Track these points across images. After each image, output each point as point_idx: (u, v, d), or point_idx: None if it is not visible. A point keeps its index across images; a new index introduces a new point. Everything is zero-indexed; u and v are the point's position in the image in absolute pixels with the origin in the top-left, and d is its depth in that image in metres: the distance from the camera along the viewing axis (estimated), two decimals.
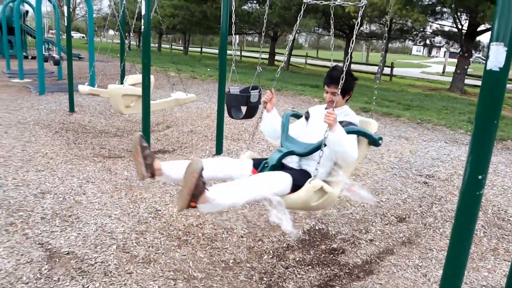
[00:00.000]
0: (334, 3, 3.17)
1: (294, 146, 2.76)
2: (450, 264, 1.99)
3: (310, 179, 2.45)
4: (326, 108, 2.93)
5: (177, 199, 2.23)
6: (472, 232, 1.89)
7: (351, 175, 2.95)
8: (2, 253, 2.96)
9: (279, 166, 2.69)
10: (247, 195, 2.39)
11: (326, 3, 3.24)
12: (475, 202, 1.83)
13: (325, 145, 2.48)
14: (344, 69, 2.59)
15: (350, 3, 3.52)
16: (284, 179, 2.52)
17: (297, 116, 3.21)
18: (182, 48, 38.38)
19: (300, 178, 2.56)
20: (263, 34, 3.50)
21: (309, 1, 3.17)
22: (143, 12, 4.58)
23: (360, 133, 2.77)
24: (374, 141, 2.81)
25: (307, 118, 3.04)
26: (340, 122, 2.60)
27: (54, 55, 11.64)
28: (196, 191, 2.13)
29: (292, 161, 2.77)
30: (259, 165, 2.74)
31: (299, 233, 3.52)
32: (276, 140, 3.02)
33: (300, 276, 2.99)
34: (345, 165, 2.72)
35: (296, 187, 2.51)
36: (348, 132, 2.60)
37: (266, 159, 2.77)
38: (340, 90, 2.62)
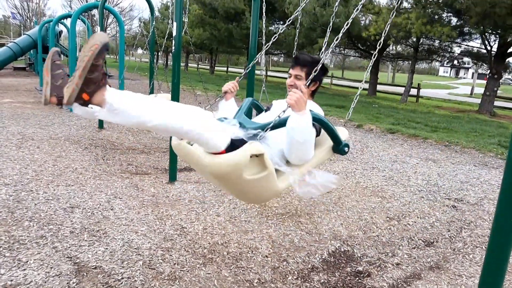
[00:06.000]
0: None
1: (246, 124, 2.23)
2: None
3: (251, 141, 1.97)
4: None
5: (66, 88, 1.59)
6: (506, 260, 1.83)
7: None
8: (32, 265, 3.03)
9: None
10: (162, 116, 1.72)
11: None
12: (510, 228, 1.77)
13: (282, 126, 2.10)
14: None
15: None
16: (223, 129, 1.98)
17: (259, 108, 2.86)
18: (208, 67, 39.01)
19: (240, 142, 1.99)
20: (294, 55, 3.51)
21: None
22: (174, 33, 4.70)
23: (325, 126, 2.30)
24: (338, 145, 2.37)
25: (268, 109, 2.69)
26: None
27: None
28: (92, 75, 1.56)
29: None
30: None
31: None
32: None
33: None
34: (295, 163, 2.30)
35: (232, 148, 1.95)
36: (313, 120, 2.17)
37: None
38: (305, 74, 2.44)
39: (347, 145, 2.38)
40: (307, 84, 2.37)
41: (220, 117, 2.30)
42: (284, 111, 2.08)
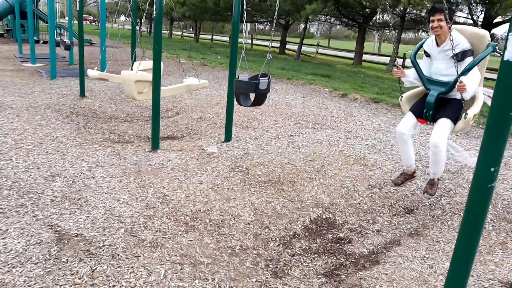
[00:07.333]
0: None
1: (437, 86, 3.67)
2: (458, 256, 1.97)
3: (463, 114, 3.50)
4: (432, 38, 3.77)
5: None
6: (481, 225, 1.86)
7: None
8: (12, 234, 3.00)
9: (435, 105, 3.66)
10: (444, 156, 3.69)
11: None
12: (487, 194, 1.80)
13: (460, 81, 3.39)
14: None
15: None
16: (449, 125, 3.58)
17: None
18: (193, 35, 38.25)
19: (454, 112, 3.60)
20: (274, 21, 3.45)
21: None
22: None
23: (478, 63, 3.46)
24: (492, 52, 3.47)
25: (428, 55, 3.82)
26: (456, 55, 3.44)
27: (65, 40, 11.67)
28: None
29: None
30: (419, 112, 3.79)
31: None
32: (419, 82, 3.91)
33: (306, 264, 3.00)
34: None
35: (456, 119, 3.57)
36: (471, 68, 3.43)
37: (420, 102, 3.84)
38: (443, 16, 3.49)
39: (495, 45, 3.46)
40: (449, 25, 3.52)
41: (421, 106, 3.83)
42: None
